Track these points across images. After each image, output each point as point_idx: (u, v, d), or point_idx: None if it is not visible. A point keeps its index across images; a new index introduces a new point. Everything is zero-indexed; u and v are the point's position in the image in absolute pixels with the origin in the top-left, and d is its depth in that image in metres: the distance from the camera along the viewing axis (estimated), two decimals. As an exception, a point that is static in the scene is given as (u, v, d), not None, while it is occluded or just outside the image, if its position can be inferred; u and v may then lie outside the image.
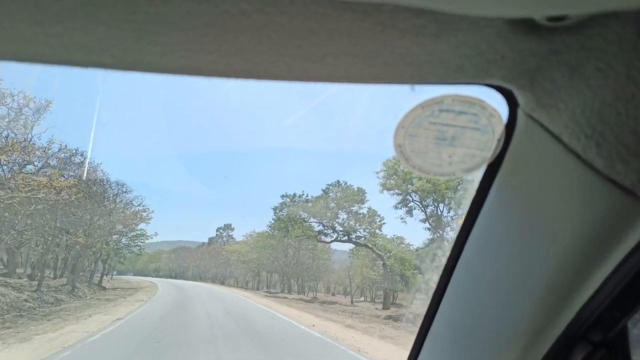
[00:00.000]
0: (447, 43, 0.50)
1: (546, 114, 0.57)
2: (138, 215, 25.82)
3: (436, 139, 0.64)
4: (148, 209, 27.29)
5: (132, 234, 28.55)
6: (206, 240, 55.99)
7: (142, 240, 30.55)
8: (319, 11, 0.45)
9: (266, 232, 33.92)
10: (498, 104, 0.63)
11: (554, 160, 0.59)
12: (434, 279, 0.95)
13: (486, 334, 0.78)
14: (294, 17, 0.46)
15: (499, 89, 0.61)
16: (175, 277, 58.06)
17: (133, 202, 25.92)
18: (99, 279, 26.51)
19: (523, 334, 0.70)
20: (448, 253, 0.88)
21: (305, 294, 35.70)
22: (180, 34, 0.49)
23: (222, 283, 46.73)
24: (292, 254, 34.85)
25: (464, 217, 0.81)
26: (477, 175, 0.74)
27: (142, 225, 28.02)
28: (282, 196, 28.62)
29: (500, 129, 0.63)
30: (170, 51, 0.52)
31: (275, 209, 28.28)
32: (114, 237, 26.23)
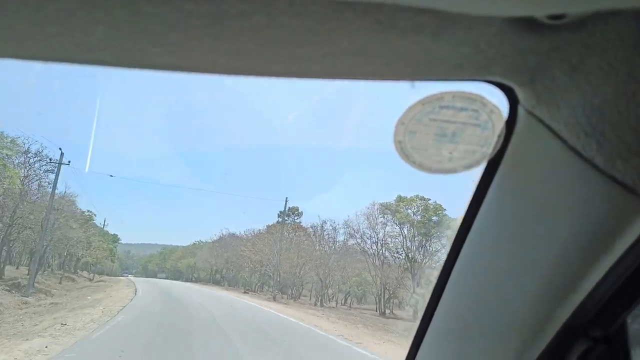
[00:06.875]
0: (446, 42, 0.50)
1: (547, 111, 0.57)
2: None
3: (436, 136, 0.64)
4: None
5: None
6: (262, 228, 36.64)
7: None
8: (318, 11, 0.45)
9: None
10: (499, 100, 0.63)
11: (554, 158, 0.59)
12: (434, 274, 0.95)
13: (486, 329, 0.78)
14: (293, 17, 0.46)
15: (500, 85, 0.61)
16: (218, 283, 39.43)
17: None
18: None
19: (523, 329, 0.70)
20: (449, 249, 0.88)
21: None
22: (180, 35, 0.49)
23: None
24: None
25: (464, 213, 0.81)
26: (477, 172, 0.74)
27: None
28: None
29: (500, 126, 0.63)
30: (170, 51, 0.52)
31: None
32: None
